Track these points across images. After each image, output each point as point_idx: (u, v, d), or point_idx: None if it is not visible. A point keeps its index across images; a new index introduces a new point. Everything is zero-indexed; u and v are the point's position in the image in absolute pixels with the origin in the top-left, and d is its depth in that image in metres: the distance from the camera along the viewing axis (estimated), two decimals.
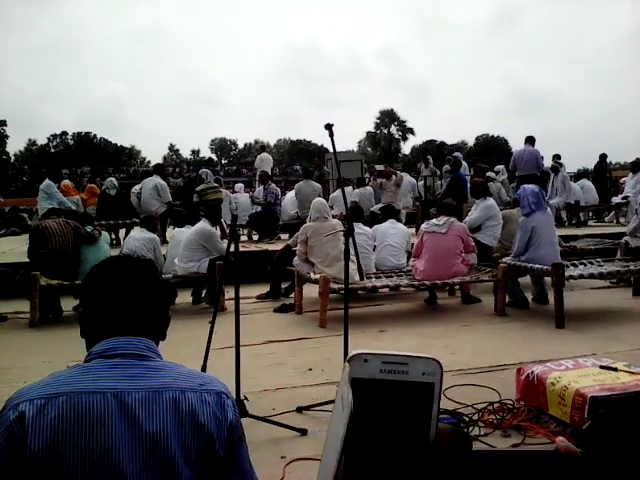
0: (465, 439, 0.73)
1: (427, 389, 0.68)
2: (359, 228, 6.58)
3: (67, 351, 4.76)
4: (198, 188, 10.38)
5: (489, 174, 12.27)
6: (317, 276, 5.93)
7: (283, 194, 12.62)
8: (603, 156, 14.93)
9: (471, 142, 67.97)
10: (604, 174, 15.05)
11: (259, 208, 11.60)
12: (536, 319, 5.75)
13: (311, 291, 6.48)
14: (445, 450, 0.67)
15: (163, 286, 1.45)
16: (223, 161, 67.95)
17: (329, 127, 3.50)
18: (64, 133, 63.71)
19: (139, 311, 1.35)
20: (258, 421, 3.20)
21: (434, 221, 6.51)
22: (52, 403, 1.15)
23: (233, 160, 67.87)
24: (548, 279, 6.11)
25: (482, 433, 3.04)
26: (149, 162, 61.51)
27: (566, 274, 5.57)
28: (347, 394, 0.63)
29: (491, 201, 7.69)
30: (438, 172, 14.49)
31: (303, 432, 3.13)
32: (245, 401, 3.23)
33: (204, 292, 6.93)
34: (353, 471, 0.65)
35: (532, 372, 3.32)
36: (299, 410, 3.46)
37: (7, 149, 55.87)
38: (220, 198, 10.18)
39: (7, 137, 54.82)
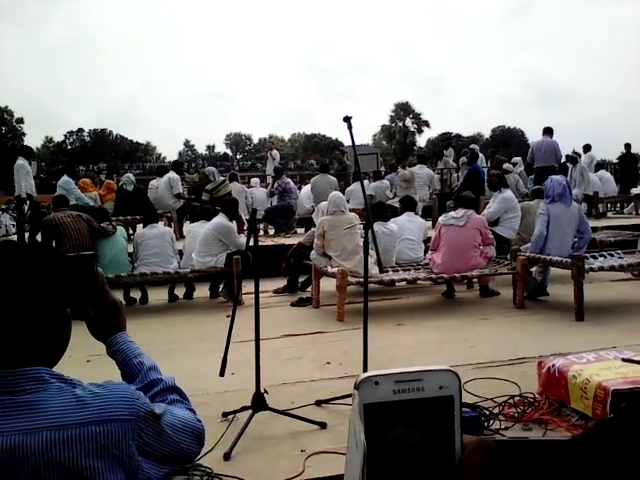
0: (494, 453, 0.67)
1: (446, 403, 0.64)
2: (385, 227, 6.54)
3: (87, 346, 4.79)
4: (208, 187, 10.30)
5: (506, 166, 12.17)
6: (334, 270, 5.92)
7: (299, 188, 12.58)
8: (628, 146, 14.48)
9: (487, 134, 67.63)
10: (633, 164, 14.57)
11: (275, 202, 11.59)
12: (555, 312, 5.69)
13: (327, 285, 6.48)
14: (473, 469, 0.63)
15: (49, 285, 1.19)
16: (238, 156, 68.17)
17: (348, 119, 3.45)
18: (80, 130, 64.31)
19: (13, 334, 1.14)
20: (277, 414, 3.20)
21: (452, 214, 6.45)
22: None
23: (248, 155, 68.04)
24: (554, 271, 6.35)
25: (502, 427, 3.02)
26: (164, 158, 61.96)
27: (586, 266, 5.51)
28: (359, 432, 0.58)
29: (509, 193, 7.62)
30: (455, 165, 14.40)
31: (323, 425, 3.13)
32: (265, 394, 3.23)
33: (221, 286, 6.94)
34: None
35: (553, 365, 3.28)
36: (318, 404, 3.46)
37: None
38: (230, 191, 10.14)
39: (24, 134, 55.45)
